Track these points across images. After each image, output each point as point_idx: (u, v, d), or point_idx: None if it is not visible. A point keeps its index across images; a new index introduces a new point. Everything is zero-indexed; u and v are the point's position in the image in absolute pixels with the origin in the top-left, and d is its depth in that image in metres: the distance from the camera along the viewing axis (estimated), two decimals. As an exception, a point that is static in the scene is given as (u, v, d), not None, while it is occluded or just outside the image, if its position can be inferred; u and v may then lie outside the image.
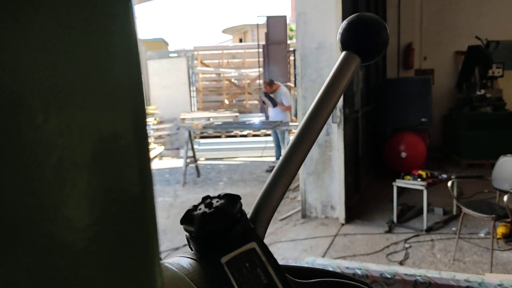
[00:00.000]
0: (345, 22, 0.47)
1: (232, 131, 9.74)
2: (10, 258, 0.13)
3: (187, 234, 0.38)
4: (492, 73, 7.08)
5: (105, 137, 0.14)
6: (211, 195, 0.40)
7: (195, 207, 0.38)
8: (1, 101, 0.13)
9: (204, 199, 0.39)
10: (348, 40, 0.46)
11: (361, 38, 0.46)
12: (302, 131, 0.43)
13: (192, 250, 0.39)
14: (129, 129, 0.15)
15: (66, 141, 0.14)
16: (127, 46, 0.15)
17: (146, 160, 0.16)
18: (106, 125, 0.14)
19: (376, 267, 2.22)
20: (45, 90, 0.13)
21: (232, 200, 0.38)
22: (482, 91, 6.91)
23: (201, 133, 9.62)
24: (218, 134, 9.94)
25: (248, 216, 0.39)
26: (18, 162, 0.13)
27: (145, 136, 0.16)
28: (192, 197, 5.99)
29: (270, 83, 6.73)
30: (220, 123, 7.85)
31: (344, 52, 0.47)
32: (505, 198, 3.22)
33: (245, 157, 9.12)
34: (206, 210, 0.37)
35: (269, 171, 7.14)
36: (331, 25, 4.44)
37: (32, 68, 0.13)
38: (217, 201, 0.38)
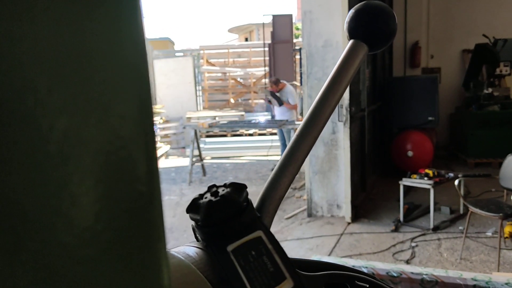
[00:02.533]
0: (352, 10, 0.46)
1: (238, 130, 9.74)
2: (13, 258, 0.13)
3: (193, 222, 0.38)
4: (499, 71, 7.03)
5: (111, 137, 0.14)
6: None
7: (201, 196, 0.38)
8: (4, 80, 0.13)
9: (210, 187, 0.39)
10: (355, 28, 0.46)
11: (368, 26, 0.46)
12: (309, 121, 0.43)
13: (198, 240, 0.39)
14: (136, 129, 0.15)
15: (80, 154, 0.14)
16: (135, 41, 0.15)
17: (153, 157, 0.16)
18: (113, 124, 0.14)
19: (382, 265, 2.21)
20: (47, 89, 0.13)
21: (238, 188, 0.37)
22: (490, 90, 6.86)
23: (207, 132, 9.64)
24: (224, 133, 9.95)
25: (254, 206, 0.39)
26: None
27: (152, 135, 0.16)
28: (198, 196, 5.99)
29: (276, 82, 6.72)
30: (226, 122, 7.85)
31: (351, 41, 0.46)
32: (513, 196, 3.20)
33: (251, 156, 9.12)
34: (212, 198, 0.37)
35: (275, 169, 7.12)
36: (337, 23, 4.43)
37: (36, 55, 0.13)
38: (223, 190, 0.38)
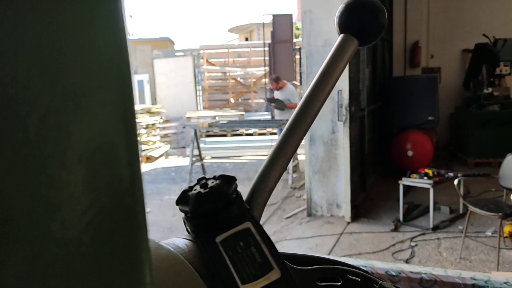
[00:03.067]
0: (342, 5, 0.47)
1: (238, 130, 9.74)
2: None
3: (183, 215, 0.38)
4: (499, 71, 7.03)
5: (90, 124, 0.14)
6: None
7: (191, 188, 0.38)
8: None
9: (200, 180, 0.39)
10: (345, 23, 0.46)
11: (358, 21, 0.46)
12: (299, 114, 0.43)
13: (188, 232, 0.39)
14: (116, 116, 0.15)
15: (59, 138, 0.14)
16: (114, 30, 0.15)
17: (134, 143, 0.16)
18: (92, 111, 0.14)
19: (381, 264, 2.21)
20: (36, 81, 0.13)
21: (228, 180, 0.38)
22: (490, 89, 6.86)
23: (207, 131, 9.64)
24: (224, 133, 9.95)
25: (244, 198, 0.39)
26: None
27: (133, 122, 0.16)
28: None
29: (276, 79, 6.72)
30: (225, 121, 7.86)
31: (341, 35, 0.46)
32: (512, 196, 3.20)
33: (251, 155, 9.12)
34: (201, 190, 0.37)
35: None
36: (337, 22, 4.42)
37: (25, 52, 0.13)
38: (212, 182, 0.38)
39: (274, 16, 10.35)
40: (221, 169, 7.97)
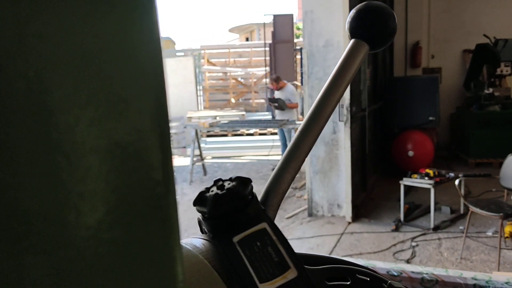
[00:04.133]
0: (353, 10, 0.48)
1: (239, 130, 9.74)
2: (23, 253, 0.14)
3: (200, 215, 0.39)
4: (500, 71, 7.03)
5: (130, 129, 0.15)
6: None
7: (208, 189, 0.39)
8: (23, 91, 0.13)
9: (216, 181, 0.40)
10: (356, 28, 0.47)
11: (369, 26, 0.47)
12: (311, 118, 0.44)
13: (203, 232, 0.40)
14: (152, 122, 0.16)
15: (96, 133, 0.15)
16: (151, 40, 0.16)
17: (168, 149, 0.17)
18: (132, 117, 0.15)
19: (382, 264, 2.22)
20: (68, 85, 0.14)
21: (244, 182, 0.39)
22: (490, 90, 6.86)
23: (208, 131, 9.64)
24: (225, 133, 9.95)
25: (259, 199, 0.40)
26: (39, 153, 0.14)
27: (167, 128, 0.16)
28: (198, 195, 6.00)
29: (276, 79, 6.72)
30: (226, 121, 7.86)
31: (352, 40, 0.47)
32: (513, 196, 3.20)
33: (252, 155, 9.13)
34: (219, 191, 0.38)
35: (276, 169, 7.12)
36: (338, 22, 4.43)
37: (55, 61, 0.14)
38: (229, 184, 0.39)
39: (275, 16, 10.35)
40: (222, 169, 7.97)
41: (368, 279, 0.39)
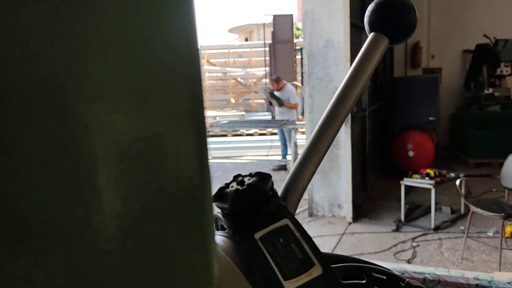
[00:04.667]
0: (372, 4, 0.47)
1: (238, 130, 9.75)
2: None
3: (219, 211, 0.38)
4: (500, 71, 7.04)
5: (167, 119, 0.15)
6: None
7: (227, 185, 0.38)
8: (41, 94, 0.13)
9: (236, 177, 0.39)
10: (376, 21, 0.47)
11: (390, 19, 0.46)
12: (330, 113, 0.43)
13: (219, 229, 0.39)
14: (189, 119, 0.15)
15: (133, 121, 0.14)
16: (188, 28, 0.15)
17: (204, 144, 0.17)
18: (168, 105, 0.15)
19: (384, 264, 2.22)
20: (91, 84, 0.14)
21: (264, 178, 0.38)
22: (490, 90, 6.87)
23: (207, 131, 9.64)
24: (225, 133, 9.96)
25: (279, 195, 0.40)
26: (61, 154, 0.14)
27: (203, 121, 0.16)
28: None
29: (277, 80, 6.72)
30: (226, 121, 7.86)
31: (372, 33, 0.47)
32: (514, 196, 3.19)
33: (252, 155, 9.13)
34: (239, 187, 0.37)
35: (276, 169, 7.13)
36: (338, 23, 4.43)
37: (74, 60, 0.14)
38: (249, 179, 0.38)
39: (274, 16, 10.36)
40: (222, 169, 7.97)
41: (385, 277, 0.38)
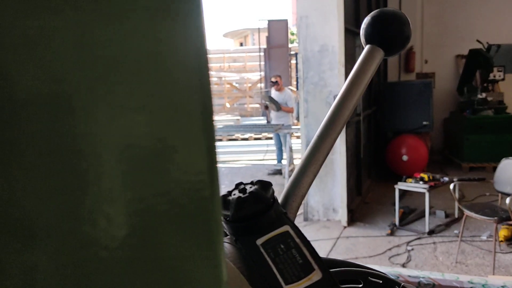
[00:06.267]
0: (368, 17, 0.49)
1: (234, 135, 9.75)
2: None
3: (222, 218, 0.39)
4: (493, 76, 7.09)
5: (180, 134, 0.16)
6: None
7: (229, 193, 0.40)
8: (43, 99, 0.14)
9: (238, 185, 0.40)
10: (372, 34, 0.48)
11: (385, 32, 0.48)
12: (329, 122, 0.45)
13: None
14: (200, 126, 0.16)
15: (149, 136, 0.15)
16: (198, 46, 0.16)
17: (213, 153, 0.17)
18: (182, 121, 0.16)
19: (379, 268, 2.23)
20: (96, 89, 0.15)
21: (265, 186, 0.39)
22: (483, 95, 6.92)
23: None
24: (220, 138, 9.95)
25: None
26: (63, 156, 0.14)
27: (213, 131, 0.17)
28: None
29: (281, 78, 6.79)
30: (221, 126, 7.86)
31: (368, 46, 0.48)
32: (508, 200, 3.22)
33: (247, 160, 9.12)
34: (241, 195, 0.38)
35: (271, 174, 7.13)
36: (333, 28, 4.45)
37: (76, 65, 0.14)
38: (251, 187, 0.39)
39: (269, 21, 10.39)
40: (217, 173, 7.95)
41: (381, 281, 0.39)
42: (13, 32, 0.13)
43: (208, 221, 0.16)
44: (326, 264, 0.39)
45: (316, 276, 0.35)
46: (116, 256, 0.15)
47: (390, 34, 0.48)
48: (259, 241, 0.36)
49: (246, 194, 0.38)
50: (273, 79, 6.91)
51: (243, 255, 0.36)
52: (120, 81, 0.15)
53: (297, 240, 0.37)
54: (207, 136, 0.16)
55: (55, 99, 0.14)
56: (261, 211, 0.38)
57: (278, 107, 6.65)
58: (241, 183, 0.41)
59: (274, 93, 6.82)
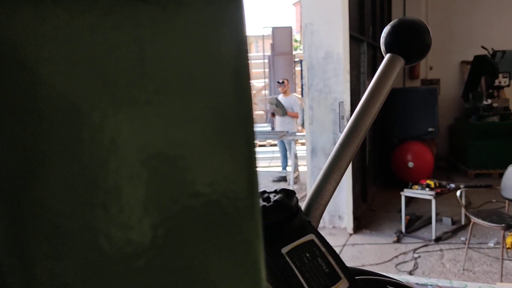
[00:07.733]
0: (388, 26, 0.49)
1: (238, 141, 9.72)
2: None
3: None
4: (498, 82, 7.07)
5: (222, 141, 0.16)
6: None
7: None
8: (59, 106, 0.14)
9: (261, 193, 0.41)
10: (392, 43, 0.48)
11: (405, 41, 0.48)
12: (351, 130, 0.45)
13: None
14: (242, 135, 0.17)
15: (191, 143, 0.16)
16: (237, 47, 0.17)
17: (253, 161, 0.17)
18: (225, 128, 0.16)
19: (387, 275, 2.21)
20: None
21: (289, 194, 0.39)
22: (489, 101, 6.90)
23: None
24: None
25: None
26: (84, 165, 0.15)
27: (252, 137, 0.17)
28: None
29: (288, 82, 6.83)
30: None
31: (388, 54, 0.49)
32: (515, 207, 3.19)
33: (251, 167, 9.10)
34: (265, 203, 0.38)
35: (276, 181, 7.12)
36: (338, 35, 4.46)
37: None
38: (275, 195, 0.39)
39: (273, 28, 10.43)
40: (222, 180, 7.95)
41: None
42: (80, 48, 0.14)
43: (251, 230, 0.16)
44: (354, 273, 0.39)
45: (343, 285, 0.35)
46: (144, 266, 0.15)
47: (411, 42, 0.49)
48: (284, 250, 0.36)
49: (271, 203, 0.38)
50: (280, 80, 6.95)
51: (268, 263, 0.36)
52: (176, 92, 0.15)
53: (323, 248, 0.37)
54: (247, 145, 0.16)
55: (117, 112, 0.14)
56: (286, 219, 0.38)
57: (284, 111, 6.66)
58: (264, 192, 0.41)
59: (280, 98, 6.84)
